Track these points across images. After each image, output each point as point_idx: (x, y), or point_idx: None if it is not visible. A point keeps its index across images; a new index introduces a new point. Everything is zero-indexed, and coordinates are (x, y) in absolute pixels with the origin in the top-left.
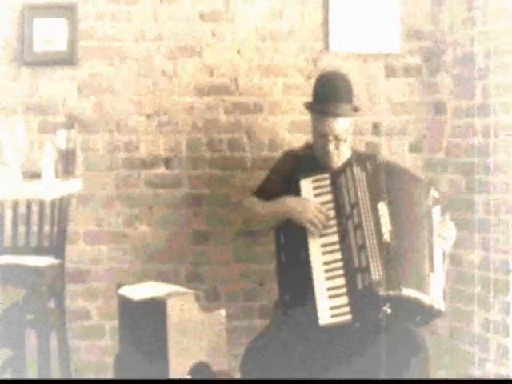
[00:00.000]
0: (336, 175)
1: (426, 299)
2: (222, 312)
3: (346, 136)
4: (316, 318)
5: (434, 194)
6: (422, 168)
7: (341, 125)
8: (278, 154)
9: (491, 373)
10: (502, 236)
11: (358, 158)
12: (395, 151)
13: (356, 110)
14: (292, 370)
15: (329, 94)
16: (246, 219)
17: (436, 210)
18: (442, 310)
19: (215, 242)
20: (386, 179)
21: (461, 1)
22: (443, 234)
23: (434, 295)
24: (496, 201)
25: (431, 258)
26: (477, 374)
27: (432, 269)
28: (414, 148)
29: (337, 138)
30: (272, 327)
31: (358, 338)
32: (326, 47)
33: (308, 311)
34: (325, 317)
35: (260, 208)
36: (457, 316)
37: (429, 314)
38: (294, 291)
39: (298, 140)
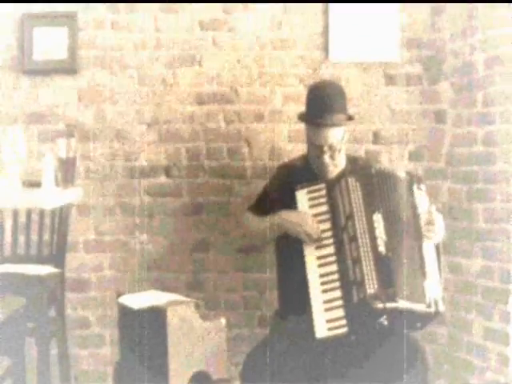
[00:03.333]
0: (331, 186)
1: (422, 308)
2: (222, 320)
3: (341, 145)
4: (313, 330)
5: (415, 175)
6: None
7: (335, 135)
8: (277, 163)
9: (491, 382)
10: (502, 245)
11: (353, 168)
12: (395, 160)
13: (350, 118)
14: (291, 380)
15: (322, 105)
16: (244, 235)
17: (423, 197)
18: (440, 309)
19: (215, 250)
20: (381, 189)
21: (461, 9)
22: (430, 223)
23: (429, 300)
24: (496, 210)
25: (422, 263)
26: (476, 382)
27: (424, 275)
28: (414, 157)
29: (332, 149)
30: (272, 336)
31: (356, 349)
32: (326, 56)
33: (306, 323)
34: (321, 330)
35: (256, 223)
36: (457, 325)
37: (427, 318)
38: (292, 303)
39: (297, 149)
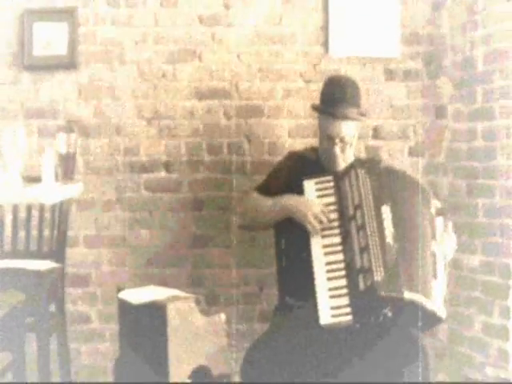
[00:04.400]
0: (340, 177)
1: (429, 305)
2: (222, 316)
3: (352, 140)
4: (317, 320)
5: (436, 203)
6: (422, 172)
7: (348, 128)
8: (278, 158)
9: (491, 377)
10: (502, 240)
11: (362, 162)
12: (395, 155)
13: (363, 114)
14: (292, 374)
15: (338, 97)
16: (247, 213)
17: (439, 220)
18: (443, 316)
19: (215, 246)
20: (389, 183)
21: (461, 5)
22: (446, 244)
23: (436, 301)
24: (496, 205)
25: (434, 265)
26: (476, 377)
27: (435, 275)
28: (414, 152)
29: (343, 141)
30: (272, 331)
31: (358, 341)
32: (326, 51)
33: (309, 313)
34: (325, 317)
35: (262, 203)
36: (457, 320)
37: (430, 320)
38: (294, 292)
39: (298, 144)
